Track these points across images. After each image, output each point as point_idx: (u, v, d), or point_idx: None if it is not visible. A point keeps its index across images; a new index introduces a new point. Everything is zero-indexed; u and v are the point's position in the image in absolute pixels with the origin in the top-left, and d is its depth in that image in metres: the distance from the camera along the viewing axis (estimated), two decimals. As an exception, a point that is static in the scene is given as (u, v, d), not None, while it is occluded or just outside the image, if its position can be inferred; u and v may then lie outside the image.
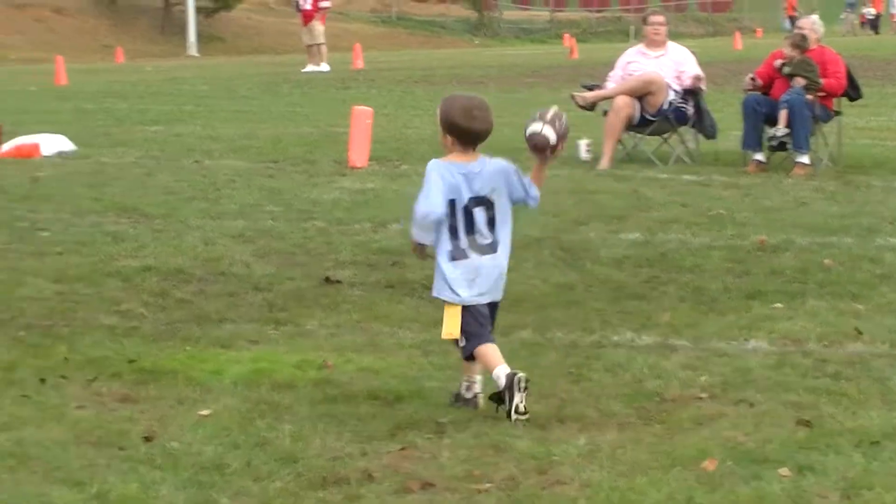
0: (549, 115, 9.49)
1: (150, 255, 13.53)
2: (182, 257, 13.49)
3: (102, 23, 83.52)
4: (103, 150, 22.69)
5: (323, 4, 50.09)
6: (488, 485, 7.05)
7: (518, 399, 8.10)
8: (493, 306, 9.05)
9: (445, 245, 8.86)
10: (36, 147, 22.00)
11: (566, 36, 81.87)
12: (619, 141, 20.15)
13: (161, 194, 17.29)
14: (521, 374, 8.17)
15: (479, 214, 8.99)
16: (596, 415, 8.24)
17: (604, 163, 19.68)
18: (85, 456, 7.53)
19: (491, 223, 9.14)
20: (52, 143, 22.42)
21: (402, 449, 7.65)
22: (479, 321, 8.69)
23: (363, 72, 49.04)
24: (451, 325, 8.69)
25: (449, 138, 9.09)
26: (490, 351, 8.49)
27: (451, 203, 8.86)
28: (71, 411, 8.42)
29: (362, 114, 20.90)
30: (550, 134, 9.44)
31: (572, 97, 21.39)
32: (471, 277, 8.82)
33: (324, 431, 7.95)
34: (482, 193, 8.99)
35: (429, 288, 11.58)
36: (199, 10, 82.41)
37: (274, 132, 25.11)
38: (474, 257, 8.87)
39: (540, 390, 8.71)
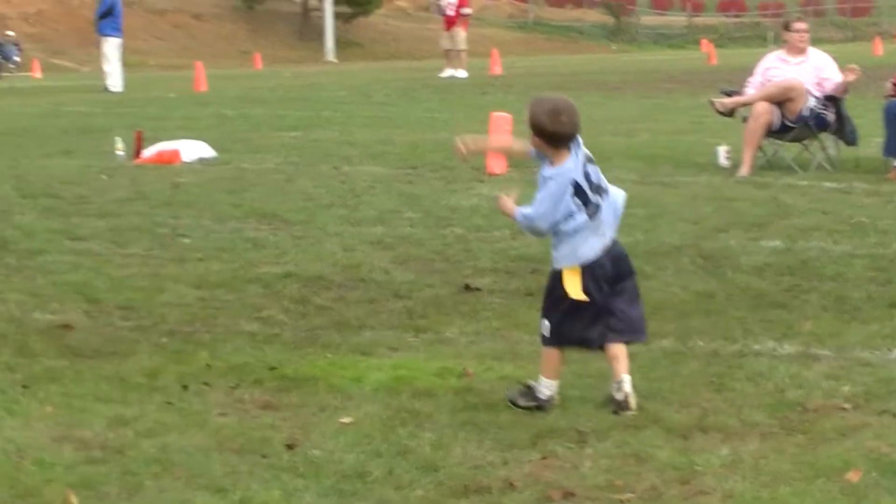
0: None
1: (290, 262, 13.59)
2: (322, 264, 13.54)
3: (241, 28, 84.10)
4: (243, 156, 22.81)
5: (465, 10, 50.20)
6: (630, 495, 7.03)
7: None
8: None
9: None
10: (176, 153, 22.16)
11: (704, 41, 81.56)
12: (759, 147, 20.00)
13: (300, 200, 17.36)
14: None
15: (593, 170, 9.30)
16: (738, 424, 8.18)
17: (743, 170, 19.54)
18: (228, 463, 7.57)
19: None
20: (193, 149, 22.57)
21: (543, 458, 7.63)
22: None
23: (501, 77, 49.05)
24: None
25: (537, 139, 9.20)
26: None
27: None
28: (214, 418, 8.47)
29: (501, 120, 20.90)
30: None
31: (711, 103, 21.31)
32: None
33: (465, 440, 7.95)
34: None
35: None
36: (337, 15, 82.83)
37: (412, 138, 25.16)
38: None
39: (681, 399, 8.70)
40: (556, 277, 8.79)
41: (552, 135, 9.06)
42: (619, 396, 8.53)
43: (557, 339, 8.75)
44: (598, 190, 9.06)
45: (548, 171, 8.89)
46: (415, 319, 11.15)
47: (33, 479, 7.31)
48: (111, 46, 45.56)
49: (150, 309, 11.61)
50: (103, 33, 45.52)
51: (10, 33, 49.76)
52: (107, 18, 45.39)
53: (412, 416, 8.41)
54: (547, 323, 8.77)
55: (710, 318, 10.97)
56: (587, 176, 9.09)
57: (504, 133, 20.62)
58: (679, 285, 12.23)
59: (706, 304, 11.53)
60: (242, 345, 10.33)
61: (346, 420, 8.36)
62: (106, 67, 45.38)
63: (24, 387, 9.20)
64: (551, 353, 8.75)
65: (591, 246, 8.75)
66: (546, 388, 8.58)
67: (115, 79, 45.01)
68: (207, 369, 9.61)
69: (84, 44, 64.99)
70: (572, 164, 8.92)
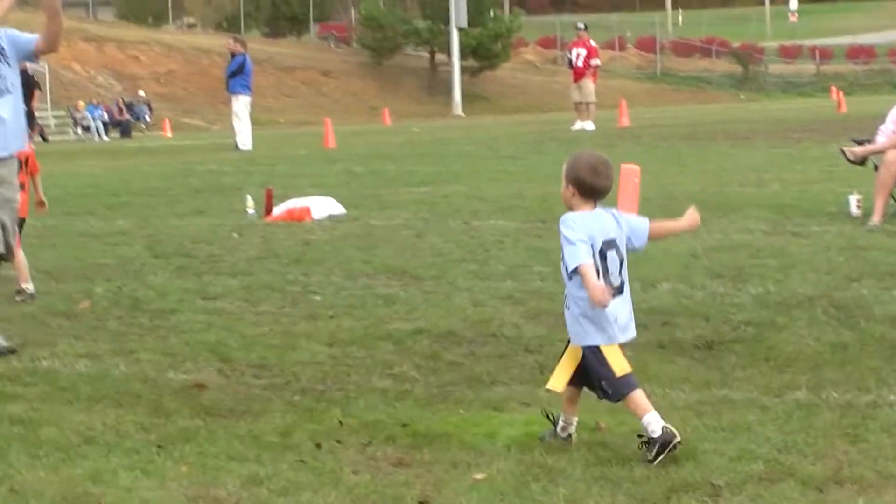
0: None
1: (420, 318, 13.62)
2: (452, 319, 13.56)
3: (369, 84, 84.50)
4: (372, 213, 22.91)
5: (594, 62, 50.20)
6: (767, 549, 7.00)
7: (664, 458, 8.36)
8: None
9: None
10: (307, 210, 22.31)
11: (833, 89, 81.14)
12: (891, 196, 19.90)
13: (430, 256, 17.41)
14: (678, 439, 8.43)
15: (612, 257, 9.38)
16: (874, 476, 8.09)
17: (875, 218, 19.41)
18: (362, 521, 7.61)
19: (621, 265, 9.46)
20: (323, 206, 22.71)
21: (678, 513, 7.62)
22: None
23: (628, 129, 49.01)
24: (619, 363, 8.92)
25: (571, 189, 9.71)
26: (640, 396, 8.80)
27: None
28: (347, 476, 8.48)
29: (630, 172, 20.84)
30: None
31: (842, 152, 21.23)
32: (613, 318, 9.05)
33: (598, 494, 7.92)
34: (611, 236, 9.45)
35: (701, 348, 11.58)
36: (464, 69, 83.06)
37: (541, 192, 25.13)
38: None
39: (816, 451, 8.62)
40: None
41: (588, 187, 9.60)
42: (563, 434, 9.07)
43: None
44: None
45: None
46: (546, 374, 11.06)
47: (169, 539, 7.37)
48: (241, 104, 45.96)
49: (283, 367, 11.67)
50: (233, 91, 45.87)
51: (142, 93, 50.19)
52: (237, 77, 45.75)
53: (545, 472, 8.39)
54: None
55: (843, 369, 10.87)
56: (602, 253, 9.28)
57: (631, 185, 20.61)
58: (812, 336, 12.14)
59: (840, 354, 11.43)
60: (374, 402, 10.36)
61: (478, 476, 8.36)
62: (236, 125, 45.76)
63: (159, 447, 9.25)
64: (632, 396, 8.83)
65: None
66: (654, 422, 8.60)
67: (245, 137, 45.38)
68: (340, 427, 9.64)
69: (213, 102, 65.63)
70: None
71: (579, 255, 9.14)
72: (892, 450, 8.63)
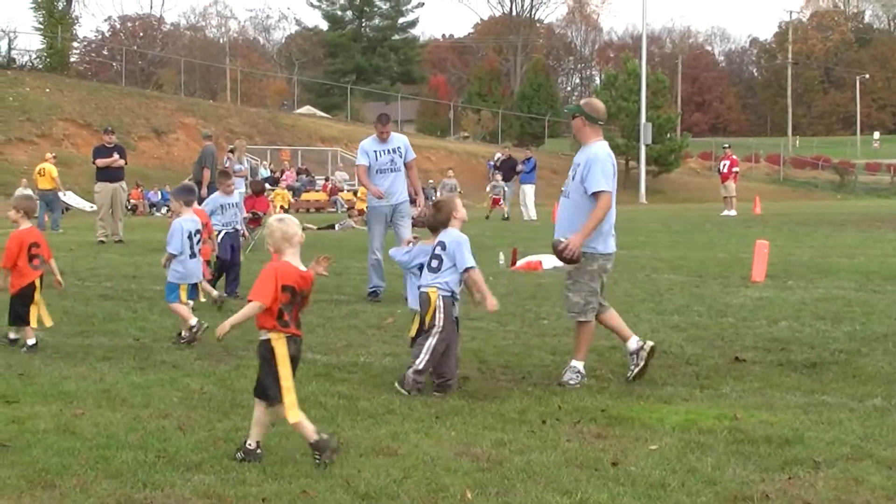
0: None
1: (615, 338, 13.52)
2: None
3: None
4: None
5: (735, 169, 49.69)
6: (850, 506, 6.86)
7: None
8: None
9: None
10: (539, 263, 22.33)
11: (904, 193, 79.47)
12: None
13: (622, 296, 17.28)
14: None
15: None
16: (929, 461, 7.94)
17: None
18: (572, 474, 7.56)
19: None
20: (551, 261, 22.65)
21: (789, 478, 7.48)
22: None
23: (760, 216, 48.36)
24: None
25: None
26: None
27: None
28: (563, 443, 8.45)
29: (761, 245, 20.64)
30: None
31: (910, 236, 20.82)
32: None
33: (735, 464, 7.83)
34: None
35: (808, 367, 11.36)
36: (647, 172, 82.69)
37: (700, 256, 24.91)
38: None
39: (888, 441, 8.48)
40: None
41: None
42: None
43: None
44: None
45: None
46: (700, 380, 11.01)
47: (443, 480, 7.38)
48: (531, 191, 47.09)
49: (521, 368, 11.68)
50: (526, 182, 47.23)
51: (447, 180, 50.82)
52: (531, 172, 46.75)
53: (698, 446, 8.31)
54: None
55: (908, 385, 10.65)
56: None
57: (762, 254, 20.34)
58: (886, 361, 11.88)
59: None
60: (583, 394, 10.32)
61: (653, 447, 8.29)
62: (528, 204, 46.35)
63: (437, 417, 9.30)
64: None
65: None
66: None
67: (532, 212, 45.89)
68: (559, 410, 9.61)
69: (478, 189, 65.59)
70: None
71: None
72: (943, 442, 8.44)
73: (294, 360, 8.14)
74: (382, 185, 17.53)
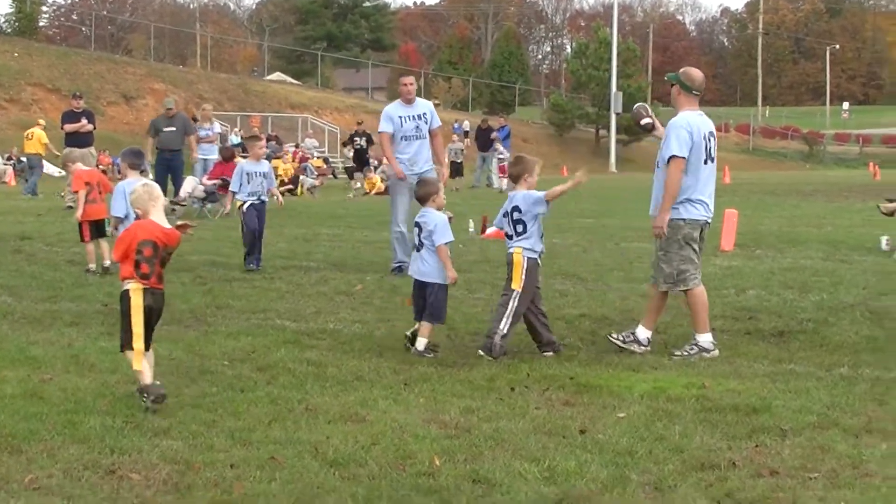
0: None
1: (584, 306, 13.57)
2: (606, 308, 13.51)
3: (553, 149, 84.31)
4: (553, 235, 22.77)
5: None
6: (816, 474, 6.88)
7: None
8: None
9: None
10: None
11: (871, 164, 79.63)
12: (911, 237, 19.62)
13: (592, 265, 17.33)
14: None
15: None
16: (894, 429, 7.96)
17: (900, 252, 19.16)
18: (540, 441, 7.58)
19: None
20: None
21: (756, 446, 7.51)
22: None
23: (730, 186, 48.47)
24: None
25: None
26: None
27: None
28: (531, 410, 8.47)
29: (731, 214, 20.71)
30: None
31: (878, 207, 21.06)
32: None
33: (702, 431, 7.86)
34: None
35: (775, 335, 11.39)
36: (618, 141, 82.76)
37: (668, 225, 24.97)
38: None
39: (853, 410, 8.52)
40: None
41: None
42: None
43: None
44: None
45: None
46: (669, 348, 11.04)
47: (411, 447, 7.38)
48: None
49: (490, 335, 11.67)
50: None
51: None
52: (504, 140, 46.54)
53: (666, 414, 8.34)
54: None
55: (874, 354, 10.70)
56: None
57: (731, 223, 20.40)
58: (853, 331, 11.96)
59: (871, 344, 11.24)
60: (552, 362, 10.34)
61: (621, 415, 8.32)
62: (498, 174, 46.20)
63: (405, 384, 9.31)
64: None
65: None
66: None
67: (504, 181, 45.75)
68: (527, 377, 9.63)
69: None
70: None
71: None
72: (908, 411, 8.50)
73: (153, 312, 8.73)
74: (407, 153, 16.70)
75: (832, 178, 65.44)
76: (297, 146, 61.23)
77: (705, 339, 10.81)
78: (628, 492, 6.58)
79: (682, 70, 11.27)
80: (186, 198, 27.94)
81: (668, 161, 10.83)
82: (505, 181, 45.07)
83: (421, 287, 11.08)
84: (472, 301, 14.02)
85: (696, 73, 11.21)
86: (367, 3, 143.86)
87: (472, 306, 13.61)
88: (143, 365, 8.54)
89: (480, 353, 10.56)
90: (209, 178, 28.34)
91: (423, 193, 11.36)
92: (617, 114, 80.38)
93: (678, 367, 10.19)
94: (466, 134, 66.13)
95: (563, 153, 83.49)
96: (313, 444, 7.43)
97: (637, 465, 7.06)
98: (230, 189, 17.78)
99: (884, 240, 20.11)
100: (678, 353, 10.73)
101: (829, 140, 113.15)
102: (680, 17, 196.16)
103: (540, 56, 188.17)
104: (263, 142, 17.87)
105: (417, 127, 16.72)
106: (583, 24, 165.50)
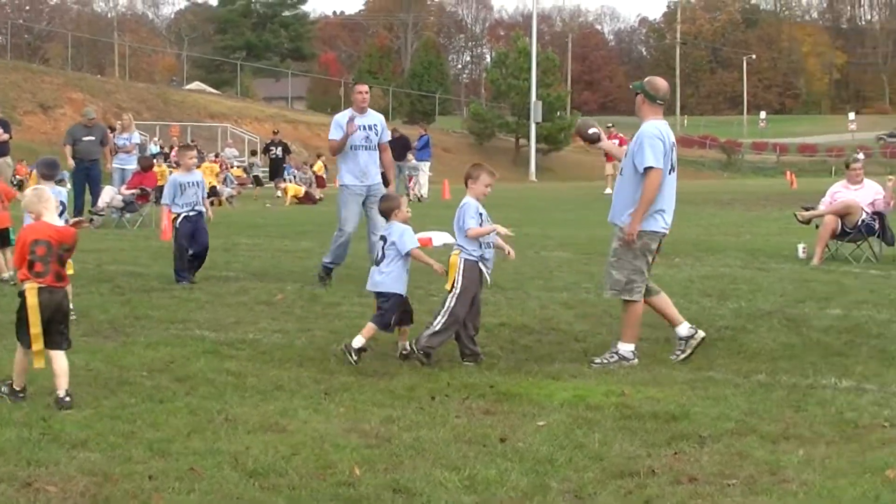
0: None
1: (504, 315, 13.59)
2: (526, 317, 13.53)
3: (474, 158, 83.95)
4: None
5: (623, 148, 50.12)
6: (735, 480, 6.94)
7: None
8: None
9: None
10: (429, 240, 22.29)
11: (788, 172, 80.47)
12: (827, 246, 19.82)
13: (512, 274, 17.34)
14: None
15: None
16: (811, 435, 8.04)
17: (815, 261, 19.37)
18: (460, 450, 7.58)
19: None
20: (440, 238, 22.69)
21: (675, 453, 7.56)
22: None
23: (648, 194, 48.88)
24: None
25: None
26: None
27: None
28: (451, 419, 8.47)
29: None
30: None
31: (795, 215, 21.32)
32: None
33: (622, 439, 7.90)
34: None
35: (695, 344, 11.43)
36: (538, 150, 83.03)
37: (588, 234, 25.06)
38: None
39: (771, 416, 8.60)
40: None
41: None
42: None
43: None
44: None
45: None
46: (589, 357, 11.08)
47: (331, 456, 7.37)
48: (425, 168, 46.71)
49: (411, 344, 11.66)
50: (419, 159, 46.22)
51: (323, 159, 50.64)
52: (424, 150, 46.23)
53: (586, 422, 8.37)
54: None
55: (791, 361, 10.79)
56: None
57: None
58: (770, 338, 12.08)
59: (789, 351, 11.35)
60: (472, 370, 10.36)
61: (541, 423, 8.34)
62: (421, 181, 45.82)
63: (326, 394, 9.29)
64: None
65: None
66: None
67: (424, 190, 45.56)
68: (448, 386, 9.63)
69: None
70: None
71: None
72: (823, 417, 8.58)
73: (52, 310, 8.91)
74: (357, 164, 16.38)
75: (750, 186, 66.06)
76: (216, 155, 60.94)
77: (627, 348, 10.85)
78: (548, 500, 6.60)
79: (646, 79, 11.31)
80: (105, 208, 27.73)
81: (645, 171, 10.77)
82: (424, 189, 45.18)
83: (380, 297, 11.20)
84: (392, 310, 13.99)
85: (661, 83, 11.25)
86: (287, 13, 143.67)
87: (392, 315, 13.58)
88: (45, 364, 8.91)
89: (407, 346, 10.80)
90: (127, 188, 28.15)
91: (385, 208, 11.63)
92: (536, 123, 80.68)
93: (598, 375, 10.23)
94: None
95: (484, 162, 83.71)
96: (233, 454, 7.39)
97: (557, 473, 7.08)
98: (162, 202, 17.17)
99: (800, 247, 20.35)
100: (598, 360, 10.78)
101: (747, 149, 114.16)
102: (599, 27, 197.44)
103: (460, 66, 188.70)
104: (195, 152, 17.60)
105: (368, 138, 16.41)
106: (502, 33, 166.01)
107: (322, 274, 16.43)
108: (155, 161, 36.10)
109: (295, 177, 49.92)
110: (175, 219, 16.59)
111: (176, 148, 61.20)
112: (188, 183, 16.65)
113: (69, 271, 13.47)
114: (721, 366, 10.64)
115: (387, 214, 11.54)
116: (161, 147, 59.19)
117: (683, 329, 11.07)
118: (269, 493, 6.65)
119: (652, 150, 10.80)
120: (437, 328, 10.66)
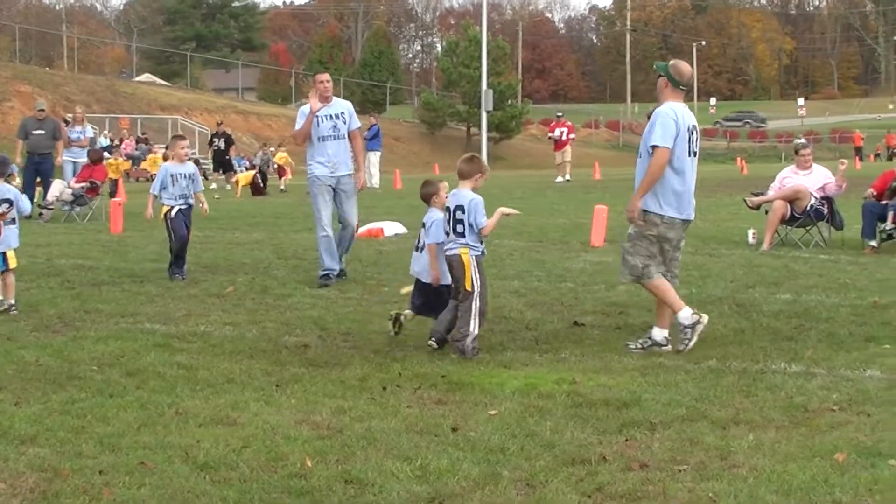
0: None
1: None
2: (478, 306, 13.54)
3: (425, 147, 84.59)
4: (425, 233, 22.90)
5: (572, 136, 50.20)
6: (686, 466, 6.95)
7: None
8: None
9: None
10: (381, 230, 22.32)
11: (739, 159, 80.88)
12: (776, 231, 19.93)
13: (464, 263, 17.37)
14: None
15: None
16: (760, 420, 8.07)
17: (765, 246, 19.50)
18: (412, 440, 7.56)
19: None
20: (392, 228, 22.72)
21: (627, 440, 7.57)
22: None
23: (600, 181, 49.02)
24: None
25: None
26: None
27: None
28: (403, 409, 8.46)
29: (601, 210, 20.90)
30: None
31: (744, 201, 21.40)
32: None
33: (573, 427, 7.90)
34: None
35: (647, 330, 11.47)
36: (490, 138, 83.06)
37: (540, 222, 25.13)
38: None
39: (722, 402, 8.62)
40: None
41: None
42: None
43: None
44: None
45: None
46: (540, 345, 11.10)
47: (283, 448, 7.34)
48: (375, 158, 46.03)
49: (363, 335, 11.65)
50: (370, 149, 45.79)
51: (272, 149, 50.40)
52: (374, 139, 45.74)
53: (538, 410, 8.37)
54: None
55: (741, 347, 10.85)
56: None
57: (601, 219, 20.59)
58: (721, 324, 12.12)
59: (739, 337, 11.40)
60: (423, 360, 10.34)
61: (492, 412, 8.33)
62: (372, 171, 45.50)
63: (277, 386, 9.25)
64: None
65: None
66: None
67: (375, 180, 45.19)
68: (399, 376, 9.62)
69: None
70: None
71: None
72: (773, 402, 8.62)
73: None
74: (325, 155, 15.90)
75: (701, 172, 65.76)
76: (167, 147, 60.66)
77: (685, 314, 10.81)
78: (500, 488, 6.60)
79: (671, 62, 11.14)
80: (54, 201, 27.55)
81: (652, 149, 10.73)
82: (375, 179, 45.01)
83: (422, 284, 11.48)
84: (343, 301, 13.98)
85: (685, 68, 11.12)
86: (237, 3, 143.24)
87: (343, 306, 13.57)
88: None
89: (454, 355, 10.55)
90: (77, 181, 27.98)
91: (424, 193, 11.66)
92: (488, 112, 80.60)
93: (549, 362, 10.24)
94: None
95: (435, 151, 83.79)
96: (184, 448, 7.35)
97: (509, 461, 7.09)
98: (151, 191, 16.65)
99: (750, 233, 20.46)
100: (632, 345, 10.85)
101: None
102: (549, 15, 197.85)
103: (411, 55, 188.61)
104: (186, 141, 17.16)
105: (335, 126, 15.91)
106: (453, 22, 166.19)
107: (322, 283, 15.54)
108: (104, 154, 35.82)
109: (246, 168, 49.79)
110: (168, 212, 16.22)
111: (126, 140, 61.03)
112: (180, 174, 16.32)
113: (12, 264, 13.48)
114: (671, 352, 10.68)
115: (426, 200, 11.55)
116: (111, 140, 58.89)
117: (658, 334, 11.02)
118: (221, 486, 6.63)
119: (662, 129, 10.72)
120: (475, 332, 10.61)
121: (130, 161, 55.71)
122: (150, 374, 9.65)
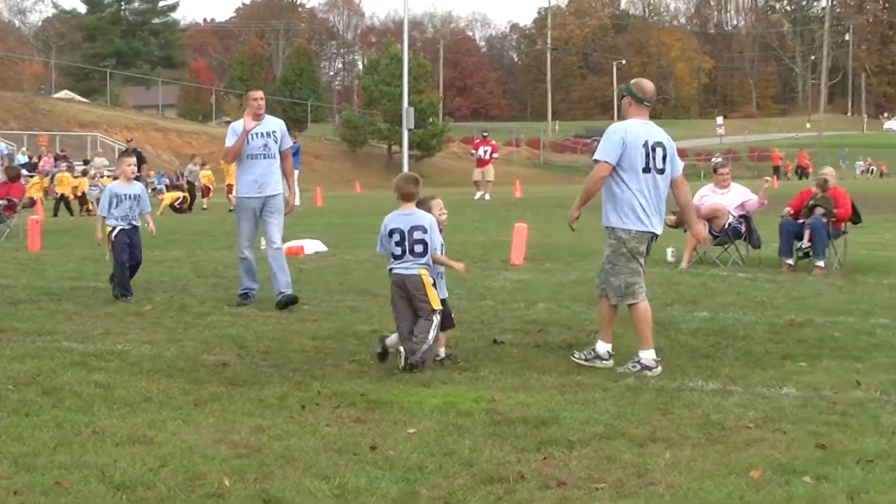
0: None
1: (376, 322, 13.58)
2: (397, 324, 13.55)
3: (346, 165, 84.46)
4: (346, 251, 22.88)
5: (495, 155, 50.48)
6: (603, 484, 6.98)
7: None
8: None
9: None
10: (301, 248, 22.26)
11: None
12: (695, 249, 20.08)
13: (383, 280, 17.13)
14: None
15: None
16: (677, 437, 8.13)
17: (683, 264, 19.68)
18: (331, 459, 7.55)
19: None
20: (312, 246, 22.70)
21: (545, 458, 7.59)
22: None
23: (521, 200, 49.17)
24: None
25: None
26: None
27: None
28: (322, 427, 8.44)
29: (520, 228, 20.96)
30: None
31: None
32: None
33: (492, 445, 7.91)
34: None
35: (564, 348, 11.52)
36: (411, 156, 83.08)
37: (461, 239, 25.14)
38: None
39: (639, 419, 8.67)
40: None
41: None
42: None
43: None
44: None
45: None
46: (460, 364, 11.11)
47: (200, 468, 7.30)
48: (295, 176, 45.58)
49: (281, 353, 11.61)
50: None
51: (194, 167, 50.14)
52: (295, 156, 45.35)
53: (456, 429, 8.38)
54: None
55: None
56: None
57: (521, 237, 20.66)
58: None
59: (657, 354, 11.47)
60: (342, 378, 10.32)
61: (411, 431, 8.33)
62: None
63: (195, 405, 9.20)
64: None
65: None
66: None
67: (296, 198, 44.75)
68: (318, 395, 9.59)
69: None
70: None
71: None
72: (690, 419, 8.69)
73: None
74: (254, 173, 15.36)
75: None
76: (86, 162, 60.19)
77: (648, 355, 10.84)
78: (418, 507, 6.61)
79: (633, 81, 11.25)
80: (-30, 219, 27.25)
81: (594, 162, 10.97)
82: (296, 197, 44.92)
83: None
84: (262, 319, 13.93)
85: (648, 85, 11.23)
86: (157, 21, 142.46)
87: (262, 324, 13.52)
88: None
89: (407, 369, 10.65)
90: (-7, 199, 27.68)
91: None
92: (409, 129, 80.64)
93: (468, 381, 10.25)
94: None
95: (356, 169, 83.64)
96: (100, 467, 7.29)
97: (427, 480, 7.09)
98: (98, 213, 16.38)
99: (669, 251, 20.60)
100: (620, 369, 10.80)
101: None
102: (470, 33, 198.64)
103: (332, 73, 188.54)
104: (133, 159, 16.90)
105: (266, 145, 15.43)
106: (374, 39, 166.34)
107: (240, 301, 15.40)
108: (22, 171, 35.48)
109: (167, 186, 49.51)
110: (110, 232, 15.98)
111: (44, 157, 60.46)
112: (125, 195, 16.08)
113: None
114: (590, 370, 10.73)
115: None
116: (29, 157, 58.32)
117: (601, 347, 11.13)
118: (137, 506, 6.59)
119: (605, 143, 10.93)
120: (431, 343, 10.76)
121: (49, 178, 55.17)
122: (67, 393, 9.56)
